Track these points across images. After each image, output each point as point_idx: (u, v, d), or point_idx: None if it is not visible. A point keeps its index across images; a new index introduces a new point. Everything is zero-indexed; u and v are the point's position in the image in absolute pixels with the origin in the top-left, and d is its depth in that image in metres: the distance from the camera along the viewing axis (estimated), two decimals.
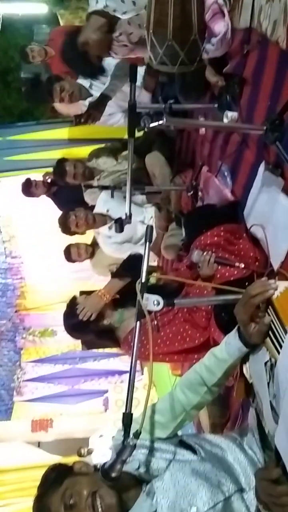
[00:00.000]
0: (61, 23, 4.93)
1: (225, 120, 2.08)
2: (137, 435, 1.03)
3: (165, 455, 1.15)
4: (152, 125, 1.65)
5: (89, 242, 3.39)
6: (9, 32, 6.43)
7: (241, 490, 1.10)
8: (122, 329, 2.22)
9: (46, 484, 1.11)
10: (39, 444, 5.14)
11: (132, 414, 1.06)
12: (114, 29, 2.36)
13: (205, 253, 1.97)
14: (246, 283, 1.20)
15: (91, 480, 1.08)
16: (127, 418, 1.05)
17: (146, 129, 1.67)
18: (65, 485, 1.08)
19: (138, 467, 1.13)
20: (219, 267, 1.96)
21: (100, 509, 1.02)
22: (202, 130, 2.69)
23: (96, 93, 3.14)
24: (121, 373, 5.32)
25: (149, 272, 1.30)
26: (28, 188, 3.77)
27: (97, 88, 3.19)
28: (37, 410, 5.14)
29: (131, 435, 1.02)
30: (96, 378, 5.40)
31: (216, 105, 2.21)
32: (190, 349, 2.05)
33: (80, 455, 4.14)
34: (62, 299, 4.82)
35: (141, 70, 2.90)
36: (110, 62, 2.85)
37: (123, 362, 5.27)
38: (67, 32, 3.56)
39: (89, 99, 3.24)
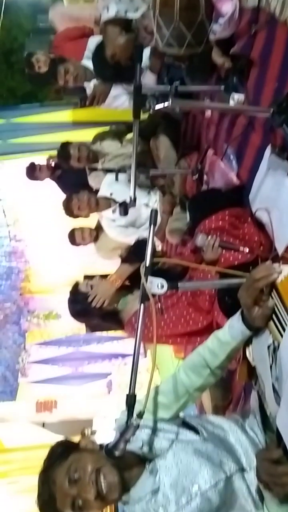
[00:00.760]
0: (65, 3, 4.84)
1: (231, 103, 2.05)
2: (140, 415, 1.05)
3: (168, 435, 1.17)
4: (157, 107, 1.63)
5: (93, 226, 3.38)
6: (12, 12, 6.34)
7: (242, 469, 1.12)
8: (126, 311, 2.24)
9: (52, 458, 1.14)
10: (43, 425, 5.23)
11: (135, 395, 1.08)
12: (132, 29, 2.37)
13: (209, 237, 1.97)
14: (250, 268, 1.19)
15: (96, 457, 1.10)
16: (131, 399, 1.06)
17: (151, 111, 1.65)
18: (70, 460, 1.10)
19: (142, 446, 1.15)
20: (223, 251, 1.96)
21: (103, 485, 1.05)
22: (208, 113, 2.65)
23: None
24: (124, 356, 5.36)
25: (156, 257, 1.30)
26: (32, 171, 3.76)
27: None
28: (41, 392, 5.21)
29: (134, 416, 1.04)
30: (99, 361, 5.45)
31: (222, 87, 2.18)
32: (194, 332, 2.06)
33: (84, 435, 4.20)
34: (66, 282, 4.84)
35: (146, 51, 2.86)
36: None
37: (126, 345, 5.30)
38: (72, 38, 3.52)
39: (94, 81, 3.20)
